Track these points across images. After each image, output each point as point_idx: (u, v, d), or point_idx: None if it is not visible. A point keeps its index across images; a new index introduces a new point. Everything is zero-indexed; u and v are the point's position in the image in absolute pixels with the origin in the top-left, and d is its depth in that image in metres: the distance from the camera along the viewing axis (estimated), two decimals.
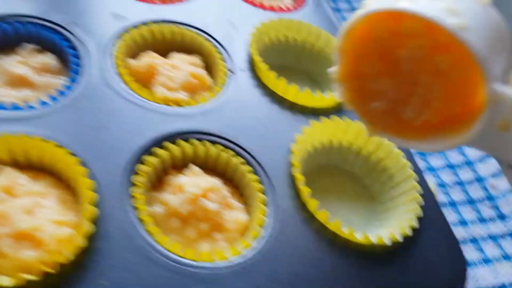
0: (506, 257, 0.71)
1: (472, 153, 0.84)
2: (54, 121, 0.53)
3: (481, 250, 0.72)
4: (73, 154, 0.50)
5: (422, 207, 0.58)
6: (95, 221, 0.46)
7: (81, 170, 0.48)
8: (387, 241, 0.54)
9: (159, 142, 0.55)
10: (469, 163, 0.83)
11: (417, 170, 0.62)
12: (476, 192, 0.79)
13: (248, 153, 0.58)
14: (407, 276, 0.53)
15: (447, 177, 0.81)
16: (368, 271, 0.52)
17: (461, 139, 0.40)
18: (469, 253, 0.71)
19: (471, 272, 0.68)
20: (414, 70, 0.45)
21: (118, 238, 0.46)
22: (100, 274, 0.43)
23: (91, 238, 0.45)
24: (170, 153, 0.55)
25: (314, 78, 0.78)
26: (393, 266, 0.53)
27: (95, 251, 0.44)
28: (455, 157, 0.84)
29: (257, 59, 0.67)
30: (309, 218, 0.54)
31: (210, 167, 0.58)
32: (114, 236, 0.46)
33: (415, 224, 0.56)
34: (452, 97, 0.42)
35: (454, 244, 0.57)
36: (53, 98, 0.55)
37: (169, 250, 0.47)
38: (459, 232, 0.73)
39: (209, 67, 0.70)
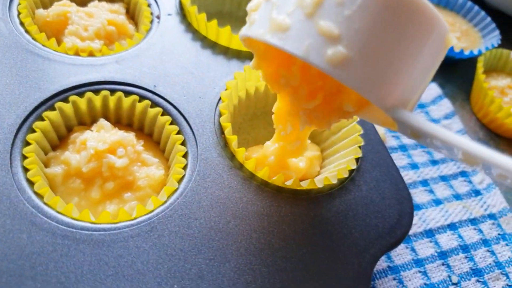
0: (456, 196, 0.61)
1: (424, 95, 0.72)
2: None
3: (432, 192, 0.62)
4: None
5: (368, 151, 0.48)
6: None
7: None
8: (319, 185, 0.43)
9: (62, 96, 0.44)
10: (421, 106, 0.71)
11: None
12: None
13: (169, 102, 0.46)
14: (348, 217, 0.43)
15: None
16: (303, 215, 0.42)
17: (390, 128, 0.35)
18: (420, 195, 0.61)
19: (421, 215, 0.58)
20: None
21: None
22: None
23: None
24: (74, 108, 0.44)
25: None
26: (334, 208, 0.43)
27: None
28: None
29: (185, 1, 0.54)
30: (236, 168, 0.43)
31: (125, 121, 0.47)
32: None
33: (353, 166, 0.45)
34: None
35: (399, 184, 0.47)
36: None
37: (60, 213, 0.36)
38: (410, 175, 0.63)
39: (135, 15, 0.57)
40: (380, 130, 0.63)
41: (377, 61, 0.29)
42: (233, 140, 0.44)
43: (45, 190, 0.37)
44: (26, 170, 0.38)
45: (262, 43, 0.36)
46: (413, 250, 0.55)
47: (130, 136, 0.43)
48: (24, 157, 0.39)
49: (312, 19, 0.29)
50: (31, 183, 0.38)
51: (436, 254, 0.55)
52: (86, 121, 0.46)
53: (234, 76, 0.49)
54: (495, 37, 0.79)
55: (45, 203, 0.37)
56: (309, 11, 0.29)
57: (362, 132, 0.48)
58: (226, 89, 0.48)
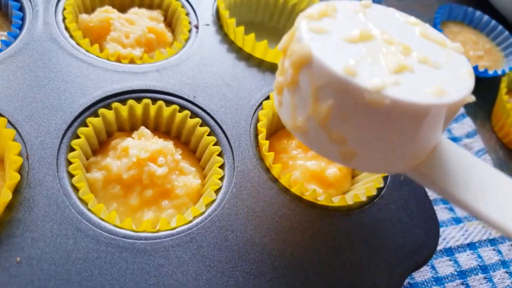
0: None
1: None
2: None
3: (452, 210, 0.61)
4: (1, 115, 0.39)
5: None
6: (19, 190, 0.36)
7: (8, 132, 0.37)
8: (349, 201, 0.44)
9: (105, 102, 0.44)
10: None
11: None
12: None
13: (207, 113, 0.47)
14: (378, 234, 0.43)
15: None
16: (334, 232, 0.42)
17: None
18: (440, 213, 0.61)
19: (441, 232, 0.58)
20: None
21: (44, 208, 0.36)
22: (16, 249, 0.33)
23: (12, 209, 0.35)
24: (116, 114, 0.44)
25: None
26: (364, 226, 0.43)
27: (15, 223, 0.34)
28: None
29: (224, 13, 0.54)
30: (271, 181, 0.43)
31: (163, 129, 0.47)
32: (39, 206, 0.36)
33: (380, 184, 0.46)
34: None
35: (427, 204, 0.47)
36: None
37: (103, 220, 0.37)
38: (430, 192, 0.62)
39: (172, 23, 0.57)
40: None
41: (380, 151, 0.33)
42: (264, 144, 0.44)
43: (89, 197, 0.38)
44: (70, 175, 0.39)
45: None
46: (433, 268, 0.55)
47: (169, 145, 0.43)
48: (69, 162, 0.40)
49: (323, 128, 0.33)
50: (75, 189, 0.38)
51: (455, 273, 0.55)
52: (125, 127, 0.46)
53: (270, 96, 0.49)
54: None
55: (89, 210, 0.37)
56: (320, 122, 0.33)
57: None
58: (263, 108, 0.48)
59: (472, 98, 0.34)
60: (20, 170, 0.37)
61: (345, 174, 0.48)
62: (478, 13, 0.84)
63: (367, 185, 0.47)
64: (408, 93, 0.30)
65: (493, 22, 0.83)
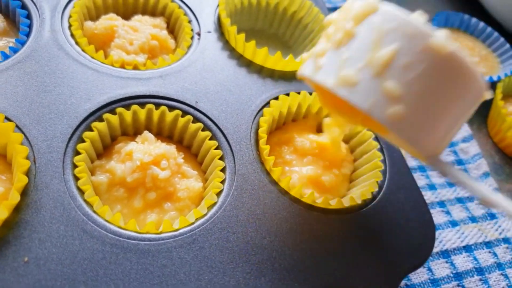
0: (472, 218, 0.62)
1: None
2: None
3: (449, 213, 0.62)
4: (9, 119, 0.40)
5: (394, 173, 0.50)
6: (27, 192, 0.37)
7: (16, 136, 0.38)
8: (346, 204, 0.45)
9: (110, 107, 0.45)
10: None
11: None
12: (446, 156, 0.69)
13: (209, 118, 0.48)
14: (375, 237, 0.44)
15: None
16: (333, 234, 0.43)
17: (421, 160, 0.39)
18: (437, 216, 0.62)
19: (438, 235, 0.59)
20: None
21: (50, 210, 0.37)
22: (23, 249, 0.34)
23: (20, 210, 0.36)
24: (120, 119, 0.45)
25: (286, 43, 0.66)
26: (361, 228, 0.44)
27: (23, 224, 0.35)
28: None
29: (226, 20, 0.55)
30: (271, 184, 0.44)
31: (166, 134, 0.48)
32: (46, 207, 0.37)
33: (375, 188, 0.47)
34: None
35: (423, 208, 0.48)
36: None
37: (108, 222, 0.38)
38: (427, 196, 0.63)
39: (175, 30, 0.58)
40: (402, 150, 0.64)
41: (426, 119, 0.33)
42: (265, 149, 0.45)
43: (94, 199, 0.39)
44: (76, 178, 0.40)
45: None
46: (429, 269, 0.56)
47: (172, 149, 0.44)
48: (75, 166, 0.41)
49: (378, 79, 0.32)
50: (81, 191, 0.39)
51: (451, 275, 0.56)
52: (129, 132, 0.47)
53: (271, 104, 0.50)
54: None
55: (94, 212, 0.38)
56: (377, 71, 0.32)
57: (382, 158, 0.50)
58: (264, 115, 0.49)
59: (489, 96, 0.36)
60: (27, 173, 0.38)
61: (342, 180, 0.50)
62: (474, 20, 0.85)
63: (362, 189, 0.48)
64: (465, 56, 0.32)
65: (489, 28, 0.85)
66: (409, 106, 0.32)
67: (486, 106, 0.79)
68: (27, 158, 0.38)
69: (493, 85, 0.77)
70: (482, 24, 0.85)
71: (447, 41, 0.32)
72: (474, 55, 0.82)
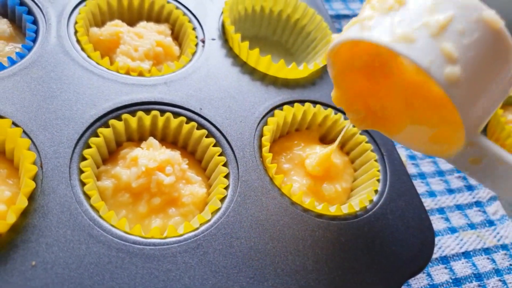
0: (471, 225, 0.63)
1: None
2: None
3: (448, 220, 0.63)
4: (16, 125, 0.41)
5: (394, 181, 0.51)
6: (34, 197, 0.38)
7: (23, 141, 0.39)
8: (344, 211, 0.46)
9: (115, 113, 0.46)
10: None
11: (390, 143, 0.54)
12: (445, 163, 0.70)
13: (213, 124, 0.48)
14: (376, 243, 0.45)
15: None
16: (334, 240, 0.44)
17: (441, 155, 0.39)
18: (436, 222, 0.63)
19: (437, 241, 0.60)
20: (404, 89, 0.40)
21: (57, 214, 0.37)
22: (31, 253, 0.35)
23: (27, 215, 0.37)
24: (125, 125, 0.46)
25: (289, 50, 0.67)
26: (363, 235, 0.45)
27: (30, 228, 0.36)
28: None
29: (230, 28, 0.56)
30: (274, 191, 0.45)
31: (170, 140, 0.49)
32: (53, 212, 0.37)
33: (373, 196, 0.48)
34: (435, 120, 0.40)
35: (423, 214, 0.49)
36: (1, 66, 0.45)
37: (114, 226, 0.38)
38: (427, 203, 0.64)
39: (179, 37, 0.59)
40: (402, 158, 0.65)
41: (477, 86, 0.33)
42: (268, 157, 0.46)
43: (100, 204, 0.39)
44: (82, 183, 0.40)
45: (345, 59, 0.40)
46: (429, 275, 0.57)
47: (177, 155, 0.45)
48: (81, 171, 0.41)
49: (436, 39, 0.32)
50: (87, 196, 0.40)
51: (450, 280, 0.57)
52: (134, 138, 0.48)
53: (274, 114, 0.52)
54: None
55: (101, 216, 0.39)
56: (435, 32, 0.33)
57: (380, 168, 0.51)
58: (268, 124, 0.50)
59: None
60: (34, 178, 0.39)
61: (342, 192, 0.51)
62: None
63: (361, 197, 0.49)
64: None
65: None
66: (465, 69, 0.32)
67: None
68: (34, 163, 0.39)
69: None
70: None
71: (498, 18, 0.33)
72: None
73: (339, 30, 0.84)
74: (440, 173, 0.68)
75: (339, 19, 0.86)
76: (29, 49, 0.48)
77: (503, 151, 0.36)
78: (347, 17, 0.86)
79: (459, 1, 0.33)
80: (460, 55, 0.32)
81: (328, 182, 0.49)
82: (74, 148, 0.42)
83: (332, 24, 0.65)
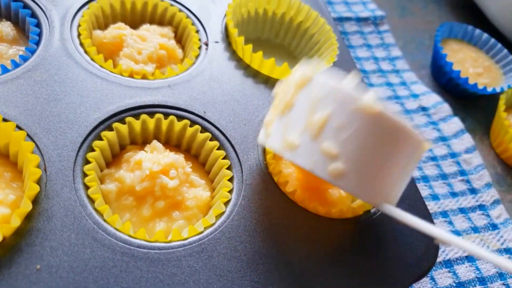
0: (474, 229, 0.63)
1: (447, 129, 0.74)
2: (1, 92, 0.44)
3: (451, 223, 0.63)
4: (20, 128, 0.41)
5: None
6: (38, 200, 0.38)
7: (27, 145, 0.39)
8: (349, 215, 0.46)
9: (119, 116, 0.46)
10: (443, 139, 0.73)
11: None
12: (449, 167, 0.70)
13: (217, 127, 0.49)
14: (380, 247, 0.45)
15: None
16: (339, 243, 0.44)
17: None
18: (440, 226, 0.63)
19: (441, 245, 0.60)
20: None
21: (62, 218, 0.37)
22: (35, 257, 0.35)
23: (32, 218, 0.37)
24: (129, 128, 0.46)
25: (292, 53, 0.68)
26: (368, 238, 0.45)
27: (34, 232, 0.36)
28: (430, 133, 0.74)
29: (233, 31, 0.56)
30: (278, 195, 0.45)
31: (174, 143, 0.49)
32: (57, 216, 0.38)
33: None
34: None
35: (426, 218, 0.49)
36: (4, 69, 0.45)
37: (118, 230, 0.39)
38: (431, 206, 0.64)
39: (182, 40, 0.60)
40: None
41: (366, 173, 0.37)
42: (271, 164, 0.46)
43: (104, 208, 0.39)
44: (86, 187, 0.41)
45: None
46: (432, 279, 0.57)
47: (180, 158, 0.45)
48: (85, 174, 0.41)
49: (316, 141, 0.36)
50: (91, 200, 0.40)
51: (454, 284, 0.57)
52: (138, 141, 0.48)
53: None
54: None
55: (105, 220, 0.39)
56: (314, 133, 0.36)
57: None
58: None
59: (429, 146, 0.41)
60: (38, 181, 0.39)
61: (346, 197, 0.51)
62: (477, 31, 0.86)
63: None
64: (394, 114, 0.36)
65: (493, 40, 0.86)
66: (347, 162, 0.36)
67: (489, 118, 0.80)
68: (38, 166, 0.39)
69: (496, 96, 0.78)
70: (485, 35, 0.86)
71: (375, 102, 0.35)
72: (477, 66, 0.84)
73: (342, 33, 0.85)
74: (443, 176, 0.68)
75: (341, 21, 0.86)
76: (33, 52, 0.48)
77: (415, 220, 0.39)
78: (350, 19, 0.87)
79: (337, 96, 0.36)
80: (341, 150, 0.36)
81: (333, 186, 0.49)
82: (78, 151, 0.42)
83: (335, 27, 0.65)
